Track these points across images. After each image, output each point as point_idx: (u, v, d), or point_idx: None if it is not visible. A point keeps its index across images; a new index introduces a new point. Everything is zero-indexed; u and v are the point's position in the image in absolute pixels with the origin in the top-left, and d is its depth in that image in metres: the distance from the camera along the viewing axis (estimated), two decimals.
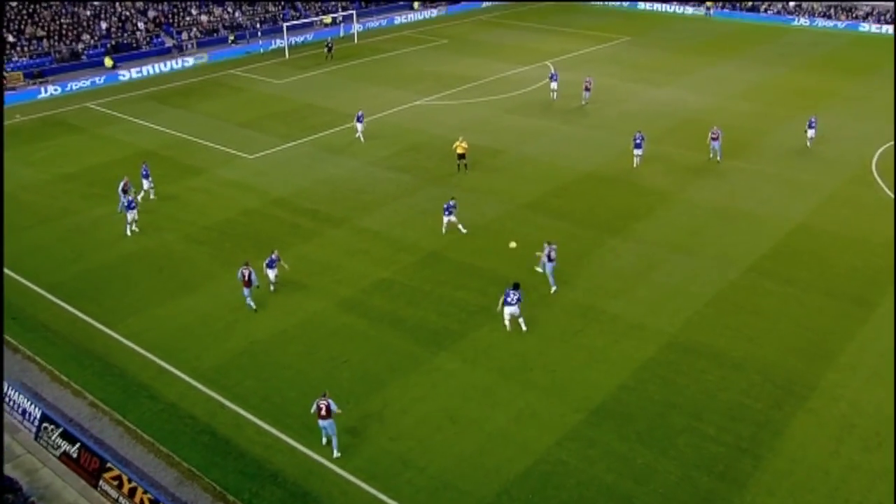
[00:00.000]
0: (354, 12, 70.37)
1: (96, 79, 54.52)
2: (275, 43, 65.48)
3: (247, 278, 24.59)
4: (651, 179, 35.47)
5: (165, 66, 58.40)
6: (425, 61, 59.45)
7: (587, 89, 47.54)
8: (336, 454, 19.06)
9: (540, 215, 31.82)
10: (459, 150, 35.75)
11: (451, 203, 29.87)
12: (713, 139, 36.97)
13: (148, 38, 62.76)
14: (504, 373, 22.06)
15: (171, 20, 65.40)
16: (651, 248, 28.95)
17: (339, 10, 74.87)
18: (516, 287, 23.54)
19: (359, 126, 40.69)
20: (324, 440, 19.40)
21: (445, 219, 29.74)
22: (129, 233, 30.24)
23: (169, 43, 62.92)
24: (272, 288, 26.11)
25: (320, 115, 46.09)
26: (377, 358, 22.75)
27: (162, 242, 29.86)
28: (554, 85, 49.44)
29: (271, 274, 25.81)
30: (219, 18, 68.04)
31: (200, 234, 30.57)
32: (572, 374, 21.99)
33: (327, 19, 72.70)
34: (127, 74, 56.32)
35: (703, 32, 71.07)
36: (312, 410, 19.23)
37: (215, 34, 66.54)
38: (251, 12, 70.56)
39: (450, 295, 25.91)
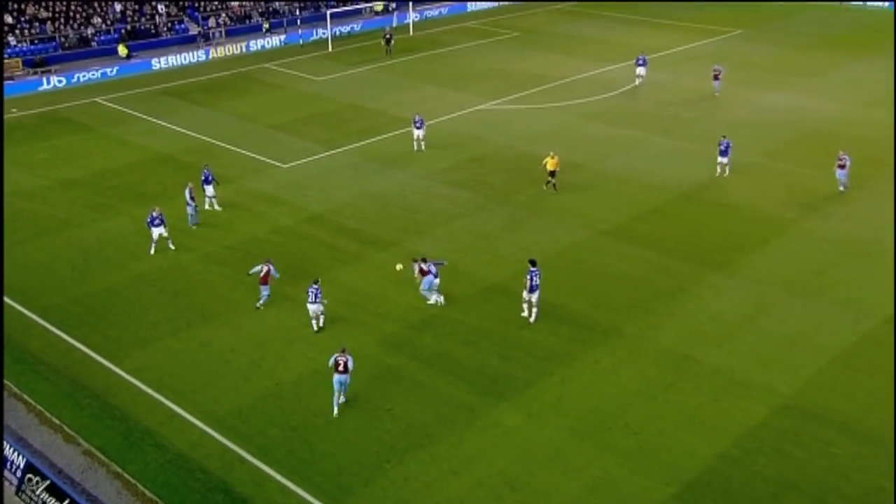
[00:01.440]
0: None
1: (108, 70, 56.90)
2: (316, 33, 67.37)
3: (263, 273, 27.21)
4: (764, 204, 35.13)
5: (189, 56, 60.63)
6: (492, 57, 60.25)
7: (716, 78, 49.27)
8: (336, 412, 22.57)
9: (624, 243, 31.81)
10: (550, 167, 36.14)
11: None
12: (839, 167, 35.72)
13: (169, 24, 65.28)
14: (577, 432, 22.06)
15: (196, 4, 67.87)
16: (762, 289, 28.63)
17: None
18: (534, 263, 26.53)
19: (417, 133, 41.54)
20: (334, 398, 22.57)
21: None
22: (153, 251, 31.08)
23: (193, 30, 65.34)
24: (316, 326, 26.32)
25: (367, 118, 47.10)
26: (425, 407, 23.01)
27: (178, 263, 30.87)
28: (641, 70, 49.76)
29: (313, 309, 26.06)
30: (252, 3, 70.27)
31: (223, 254, 31.50)
32: (661, 438, 21.84)
33: (378, 6, 74.46)
34: (144, 65, 58.61)
35: (834, 23, 70.30)
36: (330, 364, 22.70)
37: (248, 21, 68.85)
38: None
39: (514, 335, 26.07)
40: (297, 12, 70.81)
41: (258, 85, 54.51)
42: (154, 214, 31.07)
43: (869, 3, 75.73)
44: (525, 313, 26.84)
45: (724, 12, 74.63)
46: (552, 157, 36.21)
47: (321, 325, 26.37)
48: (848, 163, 35.71)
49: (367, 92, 52.18)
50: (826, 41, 64.13)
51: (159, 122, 46.85)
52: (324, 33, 66.55)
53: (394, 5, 73.94)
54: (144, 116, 47.88)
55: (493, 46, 64.10)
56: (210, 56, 61.76)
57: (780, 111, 47.25)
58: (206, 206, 34.58)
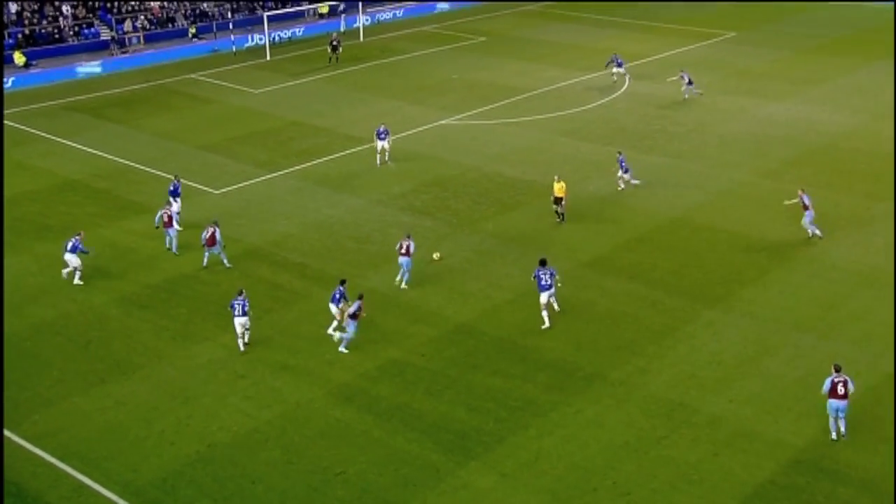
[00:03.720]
0: (361, 0, 72.65)
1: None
2: (252, 39, 67.83)
3: (209, 235, 32.12)
4: (764, 230, 35.93)
5: (100, 66, 60.62)
6: (454, 66, 61.06)
7: (690, 83, 51.10)
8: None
9: (608, 276, 32.30)
10: (557, 193, 36.42)
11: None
12: (804, 207, 34.40)
13: (76, 29, 65.21)
14: (557, 495, 22.19)
15: (108, 5, 67.79)
16: (765, 326, 29.18)
17: None
18: (544, 263, 28.87)
19: (381, 144, 42.43)
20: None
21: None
22: (78, 280, 31.84)
23: (105, 35, 65.33)
24: (242, 345, 27.71)
25: (312, 136, 47.45)
26: (383, 468, 23.04)
27: (90, 307, 30.70)
28: (619, 70, 52.13)
29: (240, 322, 27.68)
30: (175, 5, 70.49)
31: (145, 295, 31.42)
32: (654, 499, 22.04)
33: (323, 8, 75.15)
34: (46, 76, 58.44)
35: (839, 24, 72.26)
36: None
37: (170, 25, 69.08)
38: None
39: (484, 383, 26.28)
40: (229, 15, 71.13)
41: (184, 99, 54.61)
42: (75, 241, 31.77)
43: (877, 2, 77.91)
44: (545, 324, 28.92)
45: (716, 13, 76.42)
46: (557, 182, 36.38)
47: (247, 341, 27.82)
48: (811, 205, 34.31)
49: (311, 106, 52.57)
50: (830, 44, 65.91)
51: (66, 142, 46.72)
52: (260, 39, 66.98)
53: (341, 7, 74.63)
54: (47, 136, 47.70)
55: (455, 54, 64.95)
56: (126, 65, 61.82)
57: (780, 124, 48.44)
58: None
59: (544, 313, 28.81)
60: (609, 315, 29.78)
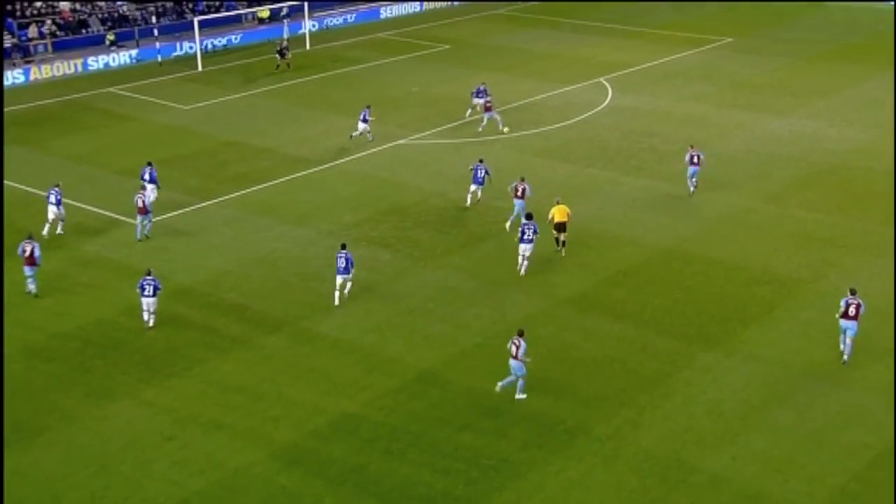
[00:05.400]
0: (306, 1, 72.90)
1: None
2: (181, 47, 67.74)
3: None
4: (768, 261, 36.26)
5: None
6: (414, 78, 61.44)
7: (488, 109, 49.89)
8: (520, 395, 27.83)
9: (592, 315, 32.38)
10: (558, 218, 36.20)
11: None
12: (691, 163, 41.48)
13: None
14: None
15: (10, 7, 67.27)
16: (771, 371, 29.31)
17: None
18: (530, 217, 33.75)
19: (362, 126, 47.78)
20: (502, 383, 27.68)
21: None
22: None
23: (7, 42, 64.76)
24: (148, 317, 30.85)
25: (252, 159, 47.41)
26: None
27: None
28: (478, 101, 51.00)
29: (147, 303, 31.39)
30: (89, 7, 70.19)
31: (52, 346, 30.98)
32: None
33: (264, 13, 75.33)
34: None
35: (848, 28, 73.63)
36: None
37: (84, 31, 68.80)
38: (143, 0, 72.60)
39: (451, 440, 26.16)
40: (154, 19, 70.93)
41: (100, 116, 54.31)
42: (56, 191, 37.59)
43: (877, 1, 79.28)
44: (522, 271, 34.52)
45: (710, 15, 77.61)
46: (558, 205, 36.29)
47: (151, 325, 31.34)
48: (702, 160, 41.42)
49: (250, 124, 52.59)
50: (837, 51, 67.12)
51: None
52: (191, 47, 66.91)
53: (285, 11, 74.70)
54: None
55: (416, 64, 65.30)
56: (31, 77, 61.50)
57: (784, 142, 49.12)
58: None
59: (521, 267, 34.69)
60: (593, 360, 29.82)
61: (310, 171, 45.24)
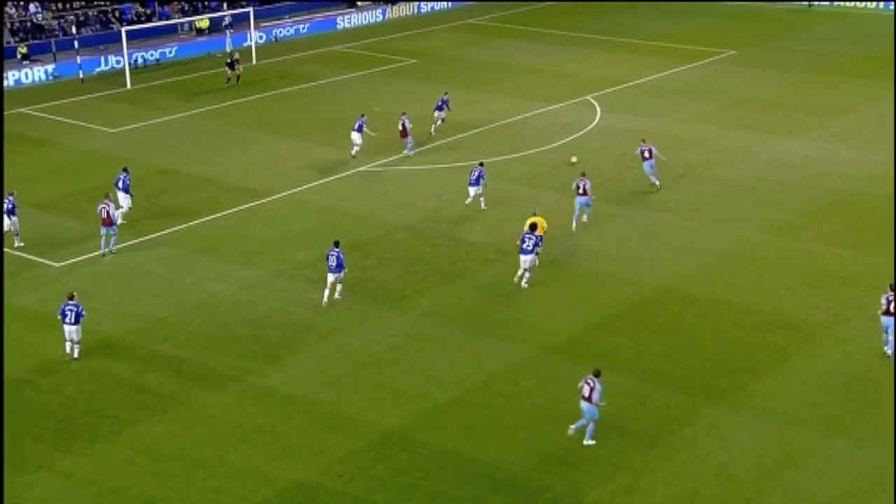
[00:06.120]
0: (252, 10, 72.83)
1: None
2: (107, 62, 67.44)
3: (106, 214, 38.81)
4: (781, 302, 36.11)
5: None
6: (376, 96, 61.48)
7: (404, 135, 50.75)
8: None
9: (581, 364, 31.75)
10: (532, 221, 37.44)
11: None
12: (644, 158, 45.15)
13: None
14: None
15: None
16: (786, 428, 29.06)
17: (226, 5, 77.19)
18: (534, 229, 35.85)
19: (355, 136, 49.49)
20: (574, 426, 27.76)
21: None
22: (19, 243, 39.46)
23: None
24: (70, 349, 32.18)
25: (190, 189, 47.08)
26: None
27: None
28: (440, 115, 53.02)
29: (70, 331, 32.11)
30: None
31: None
32: None
33: (203, 22, 75.17)
34: None
35: (866, 37, 74.15)
36: (579, 385, 28.07)
37: None
38: (61, 8, 72.30)
39: None
40: (74, 30, 70.51)
41: (11, 141, 53.63)
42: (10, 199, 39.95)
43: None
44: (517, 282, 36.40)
45: (709, 27, 77.96)
46: (535, 216, 37.66)
47: (76, 356, 32.11)
48: (654, 152, 45.11)
49: (188, 150, 52.31)
50: (854, 63, 67.62)
51: None
52: (118, 62, 66.72)
53: (227, 20, 74.58)
54: None
55: (378, 80, 65.34)
56: None
57: (796, 167, 49.18)
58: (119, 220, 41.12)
59: (523, 275, 36.50)
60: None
61: (257, 202, 44.98)
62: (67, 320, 31.96)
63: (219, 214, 44.03)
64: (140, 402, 30.39)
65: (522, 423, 28.77)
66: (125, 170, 42.97)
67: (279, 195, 45.92)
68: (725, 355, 32.77)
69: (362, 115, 50.11)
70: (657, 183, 45.16)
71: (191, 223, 43.16)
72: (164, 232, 42.26)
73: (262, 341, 33.68)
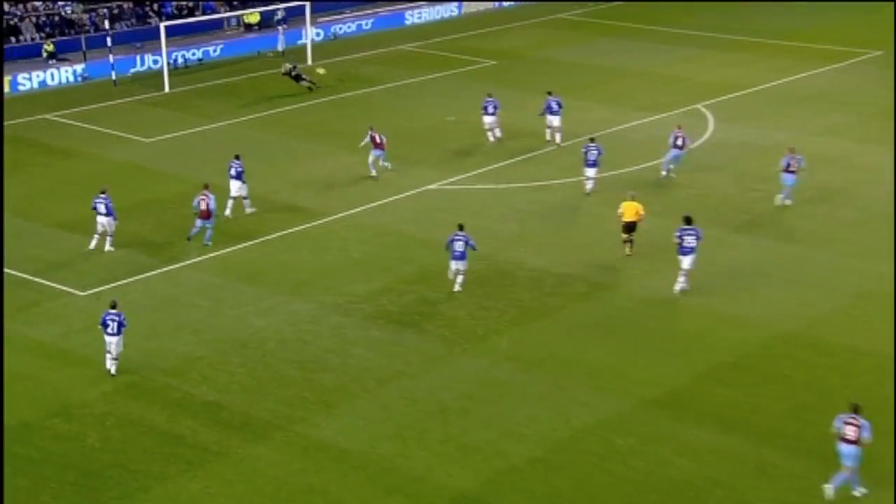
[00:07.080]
0: (308, 3, 72.76)
1: None
2: (142, 61, 68.21)
3: (204, 207, 42.04)
4: None
5: None
6: (450, 103, 61.81)
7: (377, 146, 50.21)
8: None
9: (688, 423, 31.76)
10: (628, 217, 38.02)
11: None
12: (787, 171, 45.98)
13: None
14: None
15: None
16: None
17: None
18: (689, 221, 38.42)
19: (488, 120, 53.72)
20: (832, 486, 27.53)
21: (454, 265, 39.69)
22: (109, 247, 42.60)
23: None
24: (111, 363, 33.14)
25: (235, 208, 47.37)
26: None
27: None
28: (554, 121, 53.58)
29: (111, 342, 33.44)
30: (21, 8, 70.82)
31: None
32: None
33: (252, 17, 75.72)
34: None
35: None
36: (836, 427, 27.77)
37: (13, 40, 69.25)
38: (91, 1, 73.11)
39: None
40: (107, 24, 71.24)
41: (35, 151, 54.75)
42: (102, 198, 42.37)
43: None
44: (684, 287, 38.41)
45: (851, 20, 77.31)
46: (632, 201, 38.99)
47: (113, 372, 33.56)
48: (800, 165, 45.96)
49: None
50: None
51: None
52: (155, 62, 67.54)
53: (280, 14, 74.91)
54: None
55: (451, 84, 65.69)
56: None
57: None
58: (227, 212, 45.03)
59: (682, 279, 38.48)
60: (691, 484, 29.17)
61: (310, 224, 45.39)
62: (109, 330, 33.39)
63: (266, 237, 44.46)
64: (172, 453, 30.58)
65: (616, 489, 28.55)
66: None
67: (335, 216, 46.25)
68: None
69: (489, 95, 53.76)
70: (788, 202, 45.92)
71: (234, 247, 43.63)
72: (204, 257, 42.76)
73: (313, 386, 33.82)
